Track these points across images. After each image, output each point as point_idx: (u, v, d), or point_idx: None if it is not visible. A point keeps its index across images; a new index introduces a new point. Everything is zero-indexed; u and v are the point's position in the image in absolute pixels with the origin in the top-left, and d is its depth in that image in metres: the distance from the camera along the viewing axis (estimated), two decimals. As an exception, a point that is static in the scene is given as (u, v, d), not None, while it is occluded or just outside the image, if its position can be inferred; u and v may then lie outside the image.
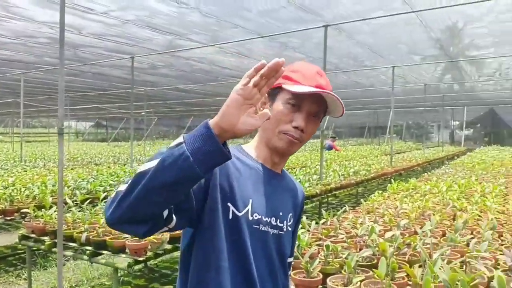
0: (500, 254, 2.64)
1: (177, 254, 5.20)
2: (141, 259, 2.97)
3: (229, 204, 1.09)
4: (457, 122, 29.17)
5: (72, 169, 8.70)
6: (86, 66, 9.25)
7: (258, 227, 1.13)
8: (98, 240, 3.10)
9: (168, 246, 3.22)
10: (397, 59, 8.60)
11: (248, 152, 1.23)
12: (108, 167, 8.74)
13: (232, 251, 1.09)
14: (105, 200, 4.12)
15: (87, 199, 4.12)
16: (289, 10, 5.28)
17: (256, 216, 1.13)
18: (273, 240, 1.18)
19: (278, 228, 1.19)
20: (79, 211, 3.68)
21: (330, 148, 14.06)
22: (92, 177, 6.17)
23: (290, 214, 1.26)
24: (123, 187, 0.93)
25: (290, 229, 1.26)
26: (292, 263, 1.43)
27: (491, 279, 2.20)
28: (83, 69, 9.69)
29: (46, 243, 3.36)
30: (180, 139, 0.91)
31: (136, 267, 4.53)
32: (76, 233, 3.24)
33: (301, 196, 1.37)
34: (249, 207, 1.12)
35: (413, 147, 21.83)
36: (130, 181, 0.93)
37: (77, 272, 4.48)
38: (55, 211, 3.71)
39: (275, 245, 1.19)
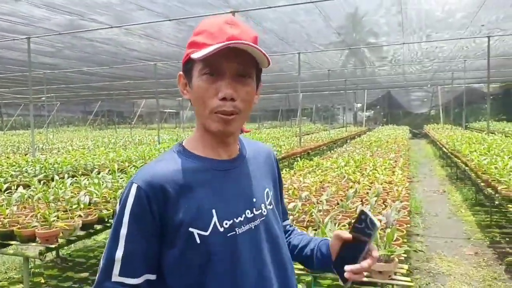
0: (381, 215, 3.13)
1: (90, 242, 5.13)
2: (53, 246, 2.93)
3: (191, 229, 0.93)
4: (360, 105, 31.65)
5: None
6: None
7: (234, 232, 0.97)
8: (5, 231, 2.99)
9: (81, 233, 3.21)
10: (302, 46, 9.15)
11: (192, 149, 1.03)
12: (7, 157, 8.08)
13: (215, 274, 0.95)
14: (9, 191, 3.92)
15: (-14, 191, 3.87)
16: (198, -4, 5.39)
17: (226, 223, 0.96)
18: (259, 232, 1.03)
19: (257, 217, 1.03)
20: (-21, 203, 3.47)
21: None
22: (-11, 168, 5.71)
23: (266, 189, 1.10)
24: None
25: (273, 203, 1.11)
26: (290, 225, 1.31)
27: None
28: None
29: None
30: None
31: (48, 257, 4.42)
32: (-22, 225, 3.08)
33: (271, 157, 1.20)
34: (214, 219, 0.95)
35: (321, 129, 23.27)
36: None
37: (-21, 269, 4.21)
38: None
39: (265, 234, 1.04)
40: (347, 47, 9.58)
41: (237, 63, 0.95)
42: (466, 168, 6.35)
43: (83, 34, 7.55)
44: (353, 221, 1.09)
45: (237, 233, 0.98)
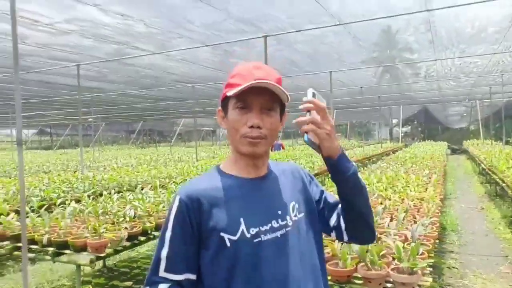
0: (408, 230, 3.23)
1: (134, 254, 5.48)
2: (102, 255, 3.26)
3: (222, 234, 1.12)
4: (396, 120, 31.14)
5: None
6: (30, 75, 9.15)
7: (260, 238, 1.14)
8: (60, 241, 3.35)
9: (127, 243, 3.52)
10: (333, 65, 9.35)
11: (227, 169, 1.24)
12: (58, 174, 8.70)
13: (241, 274, 1.12)
14: (62, 206, 4.33)
15: (43, 205, 4.30)
16: (230, 23, 5.76)
17: (252, 230, 1.14)
18: (285, 240, 1.18)
19: (283, 227, 1.19)
20: (38, 216, 3.87)
21: (279, 148, 14.86)
22: (44, 185, 6.24)
23: (292, 203, 1.25)
24: None
25: (299, 215, 1.25)
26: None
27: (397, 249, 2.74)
28: (26, 77, 9.54)
29: (7, 247, 3.54)
30: None
31: (96, 267, 4.78)
32: (37, 235, 3.46)
33: (297, 172, 1.36)
34: (242, 226, 1.13)
35: (355, 145, 23.09)
36: None
37: (36, 276, 4.62)
38: (12, 218, 3.89)
39: (290, 242, 1.19)
40: (379, 64, 9.67)
41: (262, 99, 1.16)
42: (503, 184, 6.25)
43: (127, 60, 8.13)
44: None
45: (262, 239, 1.14)
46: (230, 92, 1.15)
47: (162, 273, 1.13)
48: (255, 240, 1.14)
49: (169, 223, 1.15)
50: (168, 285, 1.13)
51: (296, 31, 5.98)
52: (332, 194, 1.39)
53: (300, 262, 1.19)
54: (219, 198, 1.16)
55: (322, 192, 1.36)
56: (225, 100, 1.21)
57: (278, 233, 1.17)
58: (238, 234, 1.13)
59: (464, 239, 5.79)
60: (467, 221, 6.80)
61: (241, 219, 1.14)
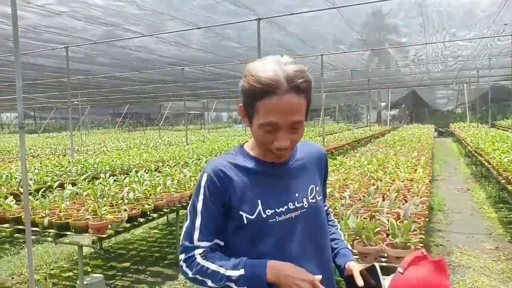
0: (399, 208, 3.36)
1: (129, 236, 5.55)
2: (104, 236, 3.31)
3: (241, 212, 1.22)
4: (384, 103, 31.43)
5: (9, 162, 8.50)
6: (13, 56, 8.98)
7: (274, 219, 1.23)
8: (61, 223, 3.39)
9: (127, 225, 3.58)
10: (325, 48, 9.37)
11: (250, 150, 1.31)
12: (48, 158, 8.65)
13: (257, 247, 1.24)
14: (58, 188, 4.35)
15: (40, 188, 4.31)
16: (224, 5, 5.72)
17: (268, 212, 1.23)
18: (298, 221, 1.27)
19: (299, 209, 1.28)
20: (36, 199, 3.90)
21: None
22: (36, 169, 6.22)
23: (311, 186, 1.33)
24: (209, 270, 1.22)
25: (318, 197, 1.34)
26: (327, 206, 1.60)
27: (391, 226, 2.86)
28: (12, 59, 9.37)
29: (8, 229, 3.57)
30: (241, 272, 1.19)
31: (92, 249, 4.85)
32: (38, 218, 3.49)
33: (322, 158, 1.44)
34: (259, 208, 1.22)
35: (344, 128, 23.29)
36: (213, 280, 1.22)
37: (34, 258, 4.66)
38: (11, 201, 3.91)
39: (303, 223, 1.28)
40: (369, 48, 9.73)
41: (292, 119, 1.15)
42: (489, 165, 6.45)
43: (117, 42, 8.03)
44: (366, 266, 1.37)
45: (277, 220, 1.24)
46: (259, 120, 1.15)
47: (196, 242, 1.25)
48: (270, 221, 1.23)
49: (199, 197, 1.25)
50: (202, 250, 1.26)
51: (290, 14, 5.98)
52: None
53: (309, 240, 1.29)
54: (241, 178, 1.25)
55: (325, 180, 1.49)
56: (250, 102, 1.17)
57: (293, 214, 1.27)
58: (255, 214, 1.23)
59: (450, 219, 6.00)
60: (454, 202, 7.02)
61: (259, 201, 1.23)
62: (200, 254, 1.26)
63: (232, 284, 1.20)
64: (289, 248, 1.25)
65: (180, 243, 1.31)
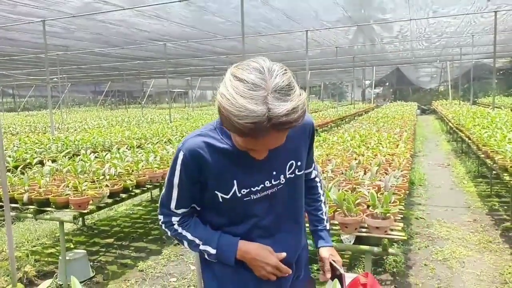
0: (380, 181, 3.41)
1: (112, 213, 5.52)
2: (85, 211, 3.28)
3: (216, 192, 1.24)
4: (368, 81, 31.52)
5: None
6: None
7: (249, 198, 1.25)
8: (41, 199, 3.33)
9: (109, 200, 3.55)
10: (310, 23, 9.26)
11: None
12: (27, 136, 8.47)
13: (232, 221, 1.30)
14: (36, 164, 4.27)
15: (18, 165, 4.22)
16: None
17: (244, 191, 1.23)
18: (274, 196, 1.29)
19: (275, 186, 1.28)
20: (15, 176, 3.82)
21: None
22: (15, 146, 6.08)
23: (291, 161, 1.31)
24: (186, 237, 1.32)
25: (298, 172, 1.33)
26: (315, 171, 1.58)
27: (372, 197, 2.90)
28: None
29: (-15, 206, 3.50)
30: (213, 252, 1.29)
31: (75, 226, 4.81)
32: (17, 194, 3.43)
33: (306, 129, 1.36)
34: (235, 187, 1.23)
35: (329, 106, 23.36)
36: (189, 242, 1.32)
37: (15, 235, 4.60)
38: (-12, 177, 3.81)
39: (278, 197, 1.30)
40: (354, 24, 9.66)
41: (275, 141, 1.10)
42: (469, 141, 6.57)
43: (96, 16, 7.77)
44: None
45: (252, 198, 1.25)
46: (237, 139, 1.13)
47: (173, 209, 1.31)
48: (245, 199, 1.25)
49: (175, 172, 1.25)
50: (179, 217, 1.33)
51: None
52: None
53: (284, 211, 1.34)
54: (217, 159, 1.21)
55: (311, 149, 1.46)
56: (226, 126, 1.05)
57: (269, 191, 1.28)
58: (230, 194, 1.24)
59: (430, 193, 6.13)
60: (434, 176, 7.17)
61: (234, 181, 1.23)
62: (177, 221, 1.32)
63: (205, 254, 1.32)
64: (263, 220, 1.29)
65: (159, 207, 1.36)
